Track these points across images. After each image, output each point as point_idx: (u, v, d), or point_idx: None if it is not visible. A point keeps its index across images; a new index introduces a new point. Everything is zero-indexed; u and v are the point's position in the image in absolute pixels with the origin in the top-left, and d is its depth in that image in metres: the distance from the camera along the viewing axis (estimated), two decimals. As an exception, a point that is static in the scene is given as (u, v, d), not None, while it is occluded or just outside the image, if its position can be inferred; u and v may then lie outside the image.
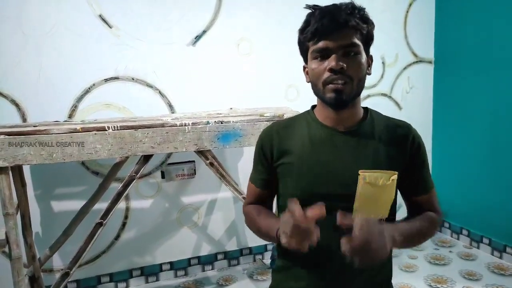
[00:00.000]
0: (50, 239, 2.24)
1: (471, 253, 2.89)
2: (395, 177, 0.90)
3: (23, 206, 2.06)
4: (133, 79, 2.42)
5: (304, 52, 0.95)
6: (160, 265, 2.65)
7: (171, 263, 2.68)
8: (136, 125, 1.90)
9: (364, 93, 3.04)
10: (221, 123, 2.03)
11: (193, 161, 2.57)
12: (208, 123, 2.00)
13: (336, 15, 0.84)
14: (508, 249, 2.73)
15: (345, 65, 0.85)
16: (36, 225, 2.31)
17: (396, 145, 0.93)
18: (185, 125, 1.96)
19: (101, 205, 2.07)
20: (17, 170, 1.96)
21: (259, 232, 1.03)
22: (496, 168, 2.78)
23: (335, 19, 0.84)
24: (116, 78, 2.38)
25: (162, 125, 1.94)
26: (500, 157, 2.74)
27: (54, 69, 2.25)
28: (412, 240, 0.91)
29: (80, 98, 2.33)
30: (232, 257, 2.83)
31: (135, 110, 2.44)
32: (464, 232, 3.07)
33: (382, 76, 3.03)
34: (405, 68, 3.12)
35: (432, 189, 1.00)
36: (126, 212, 2.53)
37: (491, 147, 2.80)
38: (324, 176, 0.91)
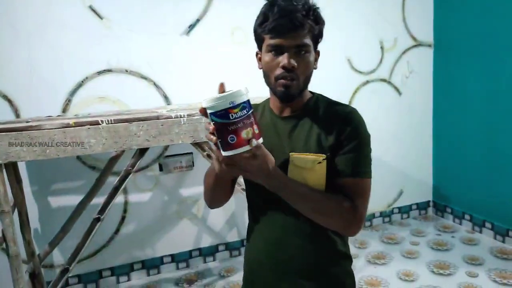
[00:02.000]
0: (49, 235, 2.23)
1: (474, 238, 2.87)
2: (321, 159, 0.95)
3: (19, 203, 2.04)
4: (126, 71, 2.37)
5: (259, 41, 1.02)
6: (161, 257, 2.65)
7: (172, 255, 2.67)
8: (131, 118, 1.87)
9: (363, 78, 3.02)
10: (217, 113, 1.98)
11: (191, 153, 2.54)
12: (203, 114, 1.96)
13: (293, 17, 0.92)
14: (510, 233, 2.71)
15: (296, 64, 0.94)
16: (34, 222, 2.29)
17: (329, 129, 0.97)
18: (181, 117, 1.92)
19: (99, 200, 2.05)
20: (11, 167, 1.94)
21: (209, 185, 1.08)
22: (497, 153, 2.75)
23: (292, 21, 0.92)
24: (109, 70, 2.34)
25: (157, 118, 1.90)
26: (501, 141, 2.70)
27: (46, 63, 2.21)
28: (301, 198, 0.94)
29: (73, 92, 2.29)
30: (233, 248, 2.82)
31: (130, 103, 2.40)
32: (467, 217, 3.05)
33: (381, 61, 2.98)
34: (404, 53, 3.06)
35: (361, 178, 0.97)
36: (125, 206, 2.51)
37: (492, 132, 2.76)
38: None
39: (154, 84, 2.45)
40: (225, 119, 0.83)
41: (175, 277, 2.59)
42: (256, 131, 0.86)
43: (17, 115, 2.20)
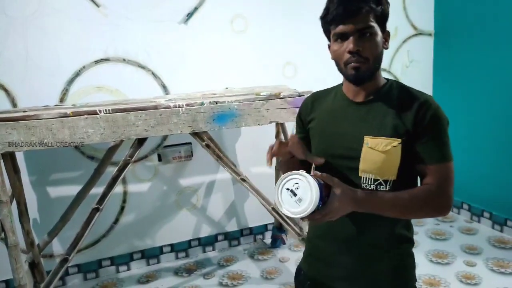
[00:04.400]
0: (48, 225, 2.22)
1: (472, 227, 2.88)
2: (396, 143, 0.98)
3: (17, 193, 2.03)
4: (124, 60, 2.35)
5: (327, 34, 1.06)
6: (161, 247, 2.65)
7: (171, 245, 2.68)
8: (129, 108, 1.85)
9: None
10: (216, 103, 1.97)
11: (190, 143, 2.53)
12: (202, 103, 1.95)
13: (350, 3, 0.96)
14: (509, 223, 2.72)
15: (360, 48, 0.97)
16: (33, 212, 2.29)
17: (406, 114, 1.00)
18: (179, 107, 1.91)
19: (98, 190, 2.05)
20: (9, 157, 1.92)
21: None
22: (496, 142, 2.74)
23: (349, 7, 0.96)
24: (107, 59, 2.31)
25: (155, 107, 1.89)
26: (502, 131, 2.69)
27: (42, 51, 2.18)
28: (389, 209, 0.98)
29: (70, 81, 2.27)
30: (232, 237, 2.83)
31: (127, 92, 2.38)
32: (465, 206, 3.06)
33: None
34: (404, 41, 3.04)
35: (443, 163, 1.01)
36: (124, 196, 2.51)
37: (494, 121, 2.75)
38: (335, 140, 1.07)
39: (152, 73, 2.42)
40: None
41: (175, 266, 2.60)
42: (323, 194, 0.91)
43: (14, 105, 2.18)
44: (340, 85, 1.14)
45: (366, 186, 1.01)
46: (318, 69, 2.49)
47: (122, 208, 2.52)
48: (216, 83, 2.53)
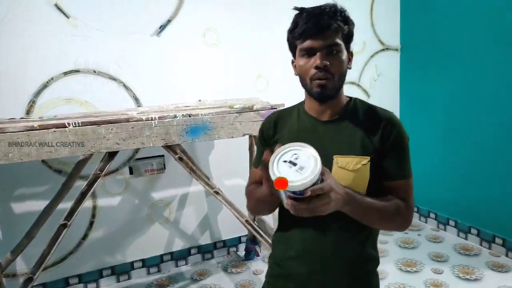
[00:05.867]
0: (11, 242, 2.12)
1: (439, 236, 2.99)
2: (365, 162, 1.00)
3: (-21, 210, 1.94)
4: (94, 71, 2.31)
5: (292, 49, 1.07)
6: (132, 263, 2.59)
7: (143, 260, 2.61)
8: (99, 121, 1.81)
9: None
10: (189, 116, 1.97)
11: (163, 156, 2.50)
12: (175, 116, 1.94)
13: (320, 19, 0.97)
14: (472, 230, 2.84)
15: (328, 63, 0.97)
16: (-5, 229, 2.19)
17: (372, 132, 1.02)
18: (152, 120, 1.89)
19: (66, 205, 1.98)
20: (-29, 172, 1.84)
21: (257, 201, 1.09)
22: (457, 153, 2.87)
23: (320, 23, 0.97)
24: (77, 71, 2.27)
25: (127, 120, 1.86)
26: (463, 143, 2.82)
27: (8, 62, 2.11)
28: (368, 212, 0.97)
29: (38, 93, 2.20)
30: (206, 251, 2.79)
31: (98, 105, 2.33)
32: (432, 215, 3.17)
33: (350, 65, 3.04)
34: (372, 56, 3.14)
35: (407, 179, 1.07)
36: (93, 211, 2.44)
37: (455, 133, 2.88)
38: None
39: (124, 85, 2.39)
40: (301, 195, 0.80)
41: (146, 282, 2.54)
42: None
43: (-23, 117, 2.09)
44: (302, 104, 1.13)
45: None
46: (290, 82, 2.53)
47: (91, 223, 2.44)
48: (189, 96, 2.52)
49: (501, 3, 2.46)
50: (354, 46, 3.41)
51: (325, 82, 0.98)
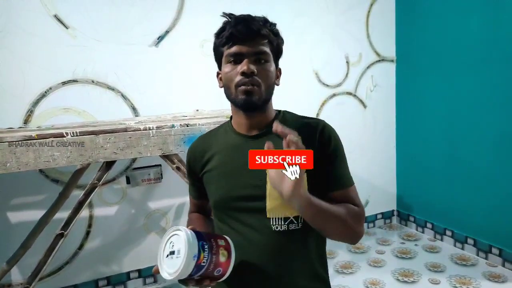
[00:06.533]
0: (7, 252, 2.11)
1: (435, 246, 2.99)
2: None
3: (-25, 220, 1.93)
4: (93, 81, 2.32)
5: (218, 57, 1.01)
6: (128, 273, 2.57)
7: (139, 270, 2.60)
8: (97, 130, 1.82)
9: (329, 92, 3.10)
10: (187, 125, 1.98)
11: (160, 165, 2.51)
12: (173, 126, 1.95)
13: (250, 23, 0.94)
14: (469, 240, 2.84)
15: (255, 70, 0.93)
16: (-9, 239, 2.18)
17: (306, 142, 0.88)
18: (149, 129, 1.90)
19: (62, 215, 1.97)
20: (-33, 182, 1.83)
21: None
22: (456, 164, 2.89)
23: (249, 27, 0.93)
24: (75, 81, 2.28)
25: (125, 130, 1.87)
26: (460, 152, 2.84)
27: (7, 72, 2.12)
28: (327, 216, 0.89)
29: (36, 103, 2.21)
30: (202, 261, 2.77)
31: (96, 114, 2.34)
32: (429, 225, 3.18)
33: (346, 75, 3.07)
34: (368, 67, 3.18)
35: (350, 186, 0.99)
36: (90, 221, 2.43)
37: (452, 143, 2.91)
38: (237, 180, 0.98)
39: (122, 95, 2.40)
40: (202, 269, 0.82)
41: (142, 292, 2.53)
42: (222, 243, 0.86)
43: (-26, 127, 2.09)
44: (228, 122, 1.08)
45: (277, 228, 0.94)
46: (284, 91, 2.56)
47: (88, 233, 2.43)
48: (186, 105, 2.54)
49: (495, 15, 2.51)
50: (350, 57, 3.43)
51: (251, 89, 0.93)
